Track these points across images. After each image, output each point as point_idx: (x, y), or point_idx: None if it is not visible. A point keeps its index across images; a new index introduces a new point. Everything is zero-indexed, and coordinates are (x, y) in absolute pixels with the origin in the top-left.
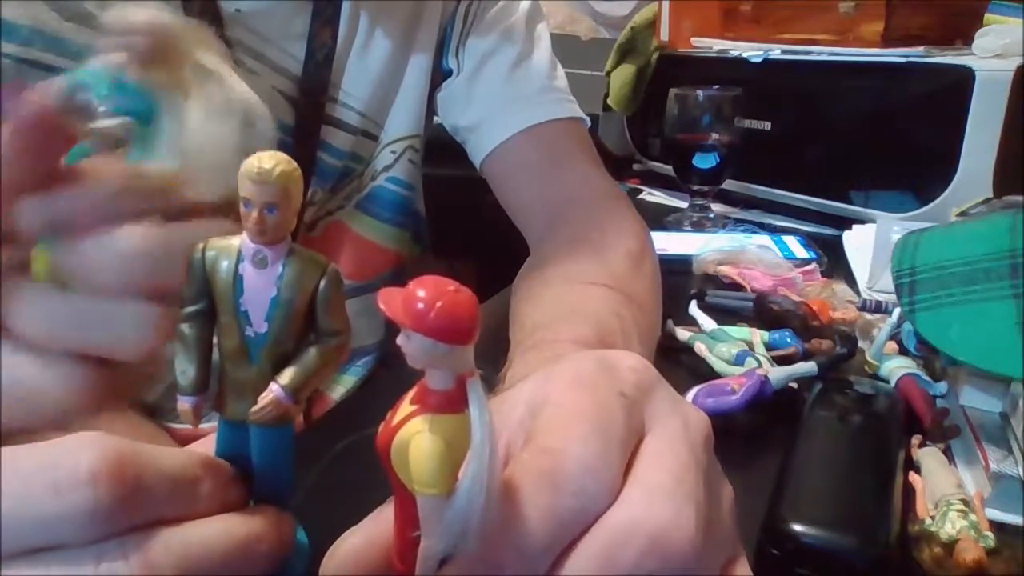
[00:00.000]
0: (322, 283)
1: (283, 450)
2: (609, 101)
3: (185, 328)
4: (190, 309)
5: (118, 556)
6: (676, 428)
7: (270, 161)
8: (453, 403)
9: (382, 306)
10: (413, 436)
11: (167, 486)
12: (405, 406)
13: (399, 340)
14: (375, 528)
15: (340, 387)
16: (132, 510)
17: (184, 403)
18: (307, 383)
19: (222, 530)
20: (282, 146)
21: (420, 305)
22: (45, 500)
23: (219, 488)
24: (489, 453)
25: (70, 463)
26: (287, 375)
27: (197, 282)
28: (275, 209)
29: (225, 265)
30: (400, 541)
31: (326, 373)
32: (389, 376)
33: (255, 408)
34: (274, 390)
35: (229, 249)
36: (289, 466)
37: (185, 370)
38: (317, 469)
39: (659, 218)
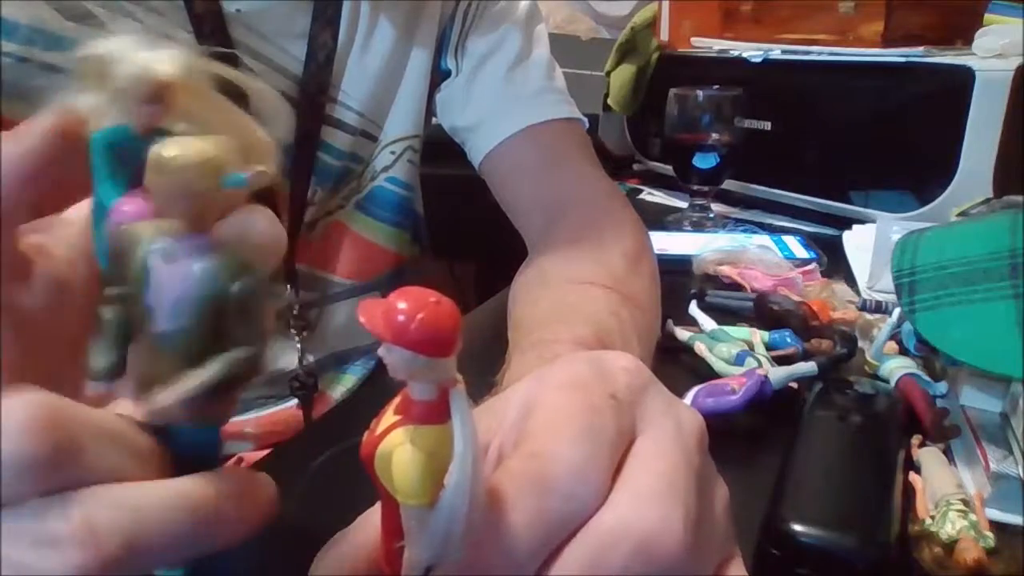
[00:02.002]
0: (235, 287)
1: (208, 453)
2: (609, 101)
3: (105, 311)
4: (111, 291)
5: (61, 518)
6: (668, 430)
7: (173, 149)
8: (436, 413)
9: (362, 319)
10: (396, 447)
11: (105, 441)
12: (388, 416)
13: (380, 352)
14: (363, 533)
15: (340, 387)
16: (67, 464)
17: (95, 389)
18: (207, 393)
19: (180, 491)
20: (282, 146)
21: (401, 318)
22: None
23: (158, 456)
24: (472, 462)
25: (4, 414)
26: (188, 381)
27: (116, 265)
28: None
29: (135, 252)
30: (387, 548)
31: (233, 385)
32: (389, 376)
33: (149, 408)
34: (171, 395)
35: (143, 235)
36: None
37: (98, 356)
38: (307, 475)
39: (659, 218)
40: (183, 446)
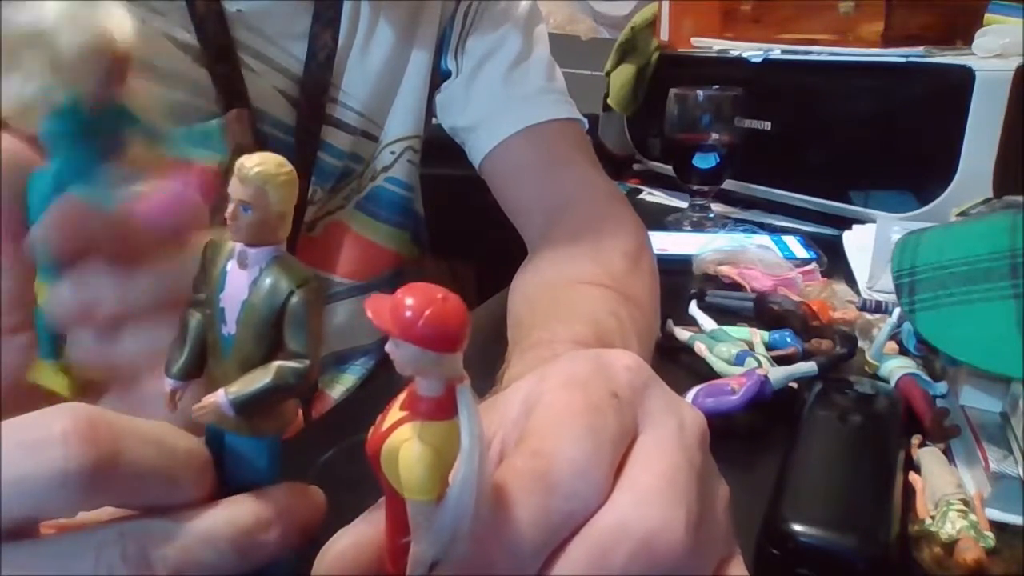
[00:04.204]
0: (293, 298)
1: (256, 466)
2: (609, 101)
3: (189, 314)
4: (196, 296)
5: (116, 553)
6: (670, 428)
7: (254, 160)
8: (443, 409)
9: (370, 315)
10: (403, 443)
11: (149, 452)
12: (395, 411)
13: (388, 347)
14: (366, 529)
15: (340, 386)
16: (110, 476)
17: (165, 384)
18: (254, 399)
19: (226, 518)
20: (283, 145)
21: (408, 313)
22: (21, 462)
23: (203, 461)
24: (479, 459)
25: (44, 425)
26: (236, 385)
27: (202, 272)
28: (250, 209)
29: (219, 259)
30: (392, 545)
31: (280, 396)
32: (389, 375)
33: (196, 405)
34: (219, 395)
35: (227, 245)
36: (259, 483)
37: (174, 353)
38: (311, 474)
39: (659, 218)
40: (236, 456)
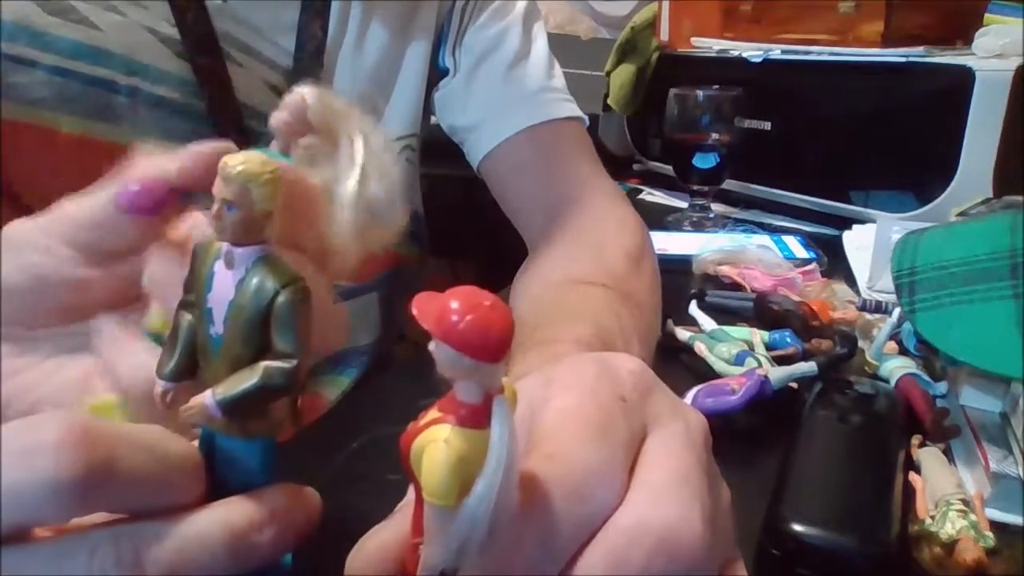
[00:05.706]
0: (279, 298)
1: (248, 468)
2: (609, 101)
3: (180, 315)
4: (186, 298)
5: (109, 556)
6: (677, 430)
7: (237, 159)
8: (478, 418)
9: (414, 311)
10: (430, 443)
11: (141, 457)
12: (433, 411)
13: (430, 346)
14: (399, 526)
15: (335, 388)
16: (102, 483)
17: (156, 386)
18: (240, 400)
19: (220, 520)
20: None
21: (452, 317)
22: (15, 468)
23: (195, 465)
24: (504, 475)
25: (37, 433)
26: (223, 386)
27: (191, 272)
28: (233, 208)
29: (208, 260)
30: (412, 543)
31: (268, 396)
32: (383, 377)
33: (183, 407)
34: (206, 396)
35: (215, 245)
36: (252, 485)
37: (165, 354)
38: (336, 462)
39: (659, 218)
40: (228, 458)
